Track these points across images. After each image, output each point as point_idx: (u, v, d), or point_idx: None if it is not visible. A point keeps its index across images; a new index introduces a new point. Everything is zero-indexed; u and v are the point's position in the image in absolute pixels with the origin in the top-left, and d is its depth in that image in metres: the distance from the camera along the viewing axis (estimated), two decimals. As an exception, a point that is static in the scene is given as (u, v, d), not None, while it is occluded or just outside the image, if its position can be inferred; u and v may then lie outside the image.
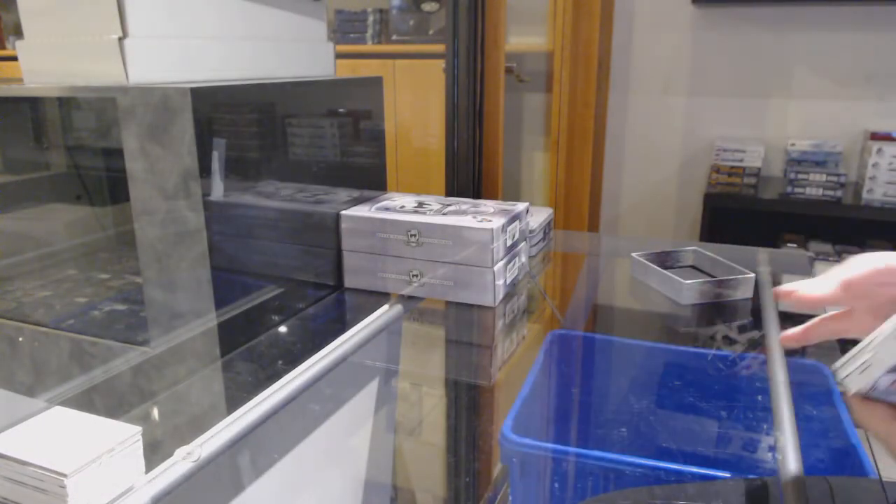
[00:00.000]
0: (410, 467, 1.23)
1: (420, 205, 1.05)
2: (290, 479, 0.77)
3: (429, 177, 2.28)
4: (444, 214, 0.99)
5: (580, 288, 1.32)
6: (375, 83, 1.11)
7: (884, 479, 0.68)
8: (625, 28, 2.43)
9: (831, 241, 2.25)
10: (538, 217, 1.24)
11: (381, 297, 1.00)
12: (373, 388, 0.97)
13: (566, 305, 1.30)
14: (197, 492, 0.59)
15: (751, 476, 0.89)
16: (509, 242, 1.01)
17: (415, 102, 2.31)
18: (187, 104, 0.70)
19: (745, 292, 1.10)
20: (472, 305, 0.98)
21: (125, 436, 0.51)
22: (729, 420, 1.21)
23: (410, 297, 1.00)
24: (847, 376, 0.48)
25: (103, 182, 1.08)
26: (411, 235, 0.97)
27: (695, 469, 0.92)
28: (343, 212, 1.01)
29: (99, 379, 0.78)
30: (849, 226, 2.23)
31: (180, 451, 0.56)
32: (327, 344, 0.83)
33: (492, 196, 1.52)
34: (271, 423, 0.67)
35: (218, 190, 0.76)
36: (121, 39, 0.75)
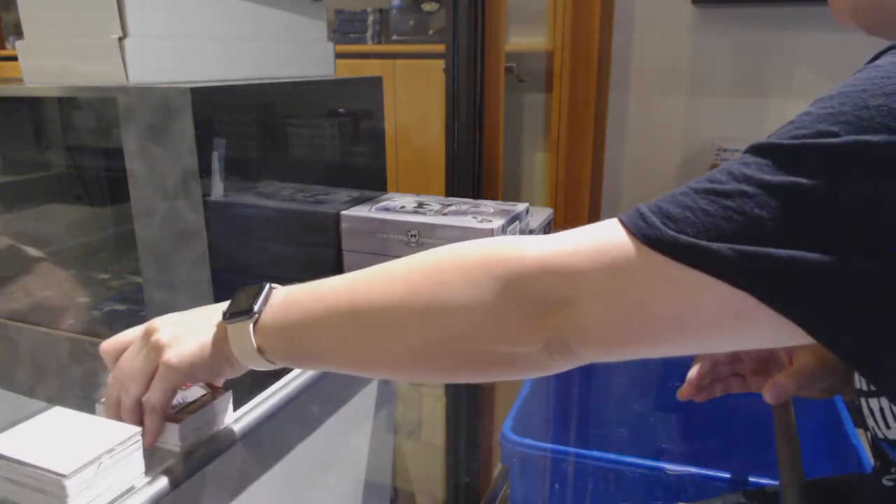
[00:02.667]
0: (410, 467, 1.23)
1: (420, 205, 1.05)
2: (290, 479, 0.77)
3: (429, 177, 2.28)
4: (444, 215, 0.99)
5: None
6: (375, 83, 1.11)
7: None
8: (625, 28, 2.42)
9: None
10: (538, 217, 1.24)
11: (381, 297, 1.00)
12: (373, 388, 0.97)
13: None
14: (196, 492, 0.59)
15: (750, 478, 0.89)
16: (509, 242, 1.01)
17: (415, 102, 2.31)
18: (187, 104, 0.70)
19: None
20: (472, 305, 0.98)
21: (125, 436, 0.51)
22: (729, 420, 1.21)
23: (410, 298, 1.00)
24: None
25: (103, 182, 1.08)
26: (411, 236, 0.97)
27: (695, 469, 0.92)
28: (343, 212, 1.01)
29: (99, 379, 0.78)
30: (849, 226, 2.23)
31: (179, 451, 0.56)
32: (327, 344, 0.82)
33: (492, 196, 1.52)
34: (271, 423, 0.67)
35: (218, 190, 0.76)
36: (121, 39, 0.75)
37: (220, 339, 0.53)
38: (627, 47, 2.44)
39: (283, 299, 0.52)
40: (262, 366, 0.53)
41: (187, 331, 0.54)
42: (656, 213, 0.39)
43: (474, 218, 0.97)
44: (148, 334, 0.54)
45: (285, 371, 0.75)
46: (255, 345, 0.51)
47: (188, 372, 0.53)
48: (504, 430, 1.01)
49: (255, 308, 0.51)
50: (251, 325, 0.51)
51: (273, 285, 0.54)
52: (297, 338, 0.51)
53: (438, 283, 0.44)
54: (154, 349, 0.53)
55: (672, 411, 1.29)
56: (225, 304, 0.54)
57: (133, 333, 0.57)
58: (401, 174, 2.31)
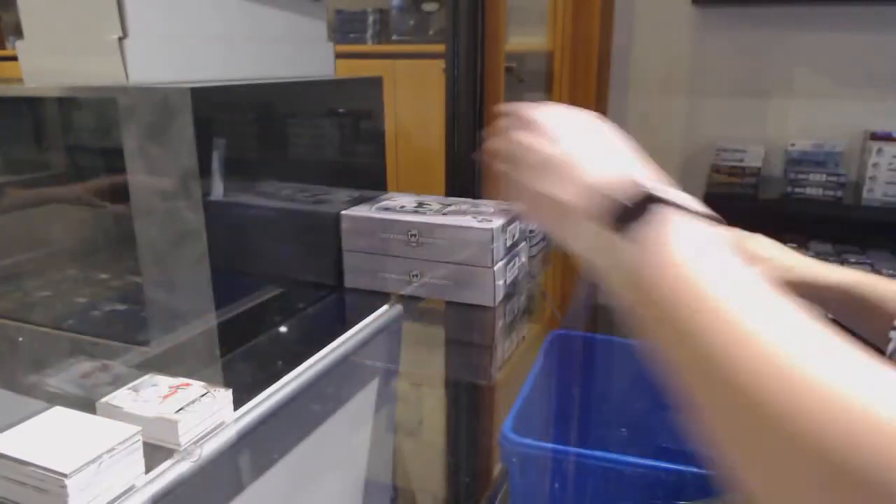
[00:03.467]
0: (410, 467, 1.23)
1: (420, 205, 1.05)
2: (290, 479, 0.77)
3: (429, 177, 2.28)
4: (444, 214, 0.99)
5: (580, 288, 1.32)
6: (375, 83, 1.11)
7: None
8: (625, 28, 2.43)
9: (831, 241, 2.25)
10: (538, 217, 1.24)
11: (381, 297, 1.00)
12: (373, 388, 0.97)
13: (566, 305, 1.30)
14: (197, 492, 0.59)
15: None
16: (509, 242, 1.01)
17: (415, 102, 2.31)
18: (187, 104, 0.70)
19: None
20: (471, 305, 0.98)
21: (125, 436, 0.51)
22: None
23: (410, 297, 1.00)
24: None
25: (103, 182, 1.08)
26: (411, 235, 0.97)
27: (695, 469, 0.92)
28: (343, 212, 1.01)
29: (99, 379, 0.78)
30: (849, 226, 2.23)
31: (180, 451, 0.56)
32: (327, 344, 0.82)
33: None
34: (271, 423, 0.67)
35: (218, 190, 0.76)
36: (121, 39, 0.75)
37: (594, 221, 0.42)
38: (627, 47, 2.44)
39: (672, 258, 0.38)
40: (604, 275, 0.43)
41: (576, 175, 0.45)
42: None
43: (474, 218, 0.97)
44: (551, 137, 0.47)
45: (285, 371, 0.75)
46: (607, 262, 0.42)
47: (546, 211, 0.47)
48: (504, 429, 1.01)
49: (632, 233, 0.39)
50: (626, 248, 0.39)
51: (708, 220, 0.40)
52: (648, 314, 0.39)
53: (847, 434, 0.29)
54: (550, 166, 0.46)
55: (672, 411, 1.29)
56: (642, 174, 0.44)
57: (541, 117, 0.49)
58: (401, 174, 2.31)
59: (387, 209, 1.02)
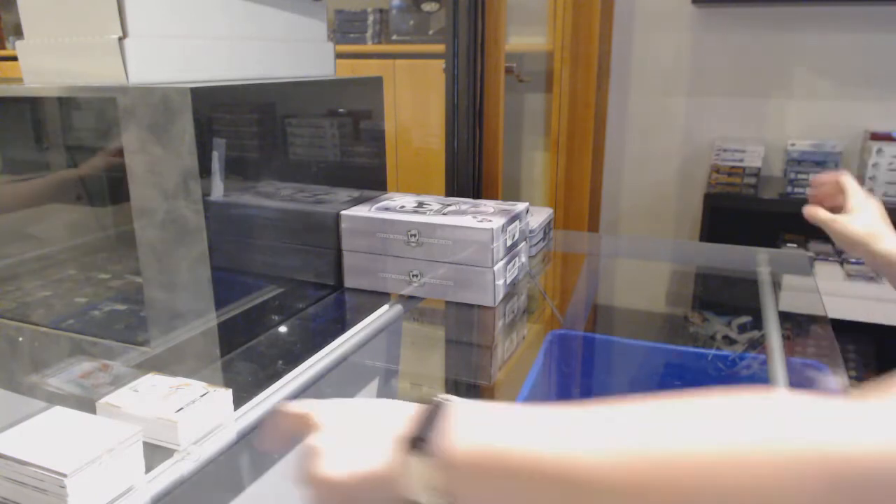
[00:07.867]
0: (410, 467, 1.23)
1: (420, 205, 1.05)
2: (290, 478, 0.77)
3: (429, 177, 2.28)
4: (444, 214, 0.99)
5: (580, 288, 1.32)
6: (375, 83, 1.11)
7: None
8: (625, 28, 2.43)
9: (831, 241, 2.25)
10: (538, 217, 1.24)
11: (381, 297, 1.01)
12: (373, 388, 0.97)
13: (566, 305, 1.30)
14: (197, 492, 0.59)
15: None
16: (509, 242, 1.01)
17: (415, 102, 2.31)
18: (187, 104, 0.70)
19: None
20: (472, 305, 0.98)
21: (125, 436, 0.51)
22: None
23: (410, 297, 1.00)
24: None
25: (103, 182, 1.08)
26: (411, 235, 0.97)
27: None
28: (343, 212, 1.01)
29: (99, 379, 0.78)
30: (849, 226, 2.23)
31: (180, 451, 0.56)
32: (327, 344, 0.83)
33: (492, 196, 1.52)
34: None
35: (218, 190, 0.76)
36: (121, 39, 0.75)
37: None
38: (627, 47, 2.44)
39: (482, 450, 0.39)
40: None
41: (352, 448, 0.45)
42: None
43: (474, 218, 0.97)
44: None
45: (285, 371, 0.75)
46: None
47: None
48: (504, 429, 1.01)
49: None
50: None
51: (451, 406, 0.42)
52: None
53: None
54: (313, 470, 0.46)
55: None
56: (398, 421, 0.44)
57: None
58: (401, 174, 2.31)
59: (387, 209, 1.02)
